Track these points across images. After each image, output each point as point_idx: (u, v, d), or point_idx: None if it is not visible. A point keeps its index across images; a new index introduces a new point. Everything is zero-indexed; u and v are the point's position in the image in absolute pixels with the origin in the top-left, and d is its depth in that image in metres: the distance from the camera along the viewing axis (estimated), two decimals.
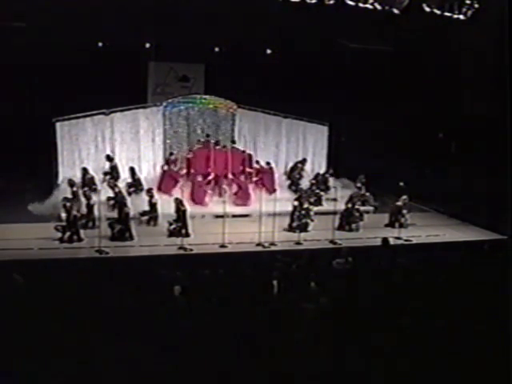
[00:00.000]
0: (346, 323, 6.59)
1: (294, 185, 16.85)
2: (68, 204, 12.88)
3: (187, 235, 12.98)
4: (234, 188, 15.86)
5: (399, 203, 14.66)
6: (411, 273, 9.18)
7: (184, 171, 16.15)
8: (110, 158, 15.90)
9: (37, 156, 15.28)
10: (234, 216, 14.35)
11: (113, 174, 15.65)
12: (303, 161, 17.75)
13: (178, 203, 13.33)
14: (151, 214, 14.02)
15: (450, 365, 5.84)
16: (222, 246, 12.51)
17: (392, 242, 12.21)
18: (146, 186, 15.15)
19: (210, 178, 15.88)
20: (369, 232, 14.06)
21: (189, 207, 13.74)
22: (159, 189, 15.36)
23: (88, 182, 15.01)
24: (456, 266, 9.56)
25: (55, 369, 5.44)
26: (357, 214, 14.51)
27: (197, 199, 15.17)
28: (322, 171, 17.75)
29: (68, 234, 12.49)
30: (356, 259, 10.10)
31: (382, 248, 11.49)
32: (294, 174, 17.32)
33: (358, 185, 16.13)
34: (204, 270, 8.91)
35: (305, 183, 16.76)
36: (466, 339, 6.21)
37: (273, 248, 12.63)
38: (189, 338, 6.08)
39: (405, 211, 14.58)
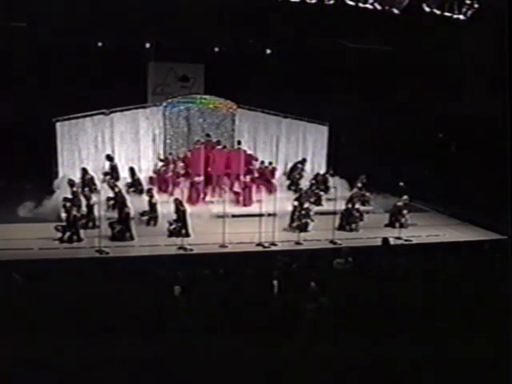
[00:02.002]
0: (346, 323, 6.59)
1: (293, 185, 16.85)
2: (68, 204, 12.88)
3: (187, 235, 12.98)
4: (236, 188, 15.84)
5: (399, 203, 14.67)
6: (411, 273, 9.18)
7: (181, 171, 16.11)
8: (110, 158, 15.91)
9: (37, 156, 15.29)
10: (234, 216, 14.34)
11: (113, 174, 15.66)
12: (303, 161, 17.76)
13: (178, 203, 13.33)
14: (151, 214, 14.01)
15: (451, 365, 5.85)
16: (222, 246, 12.51)
17: (392, 241, 12.21)
18: (145, 186, 15.17)
19: (202, 178, 15.78)
20: (369, 232, 14.06)
21: (188, 207, 13.74)
22: (159, 189, 15.37)
23: (88, 182, 15.02)
24: (456, 266, 9.55)
25: (55, 369, 5.44)
26: (357, 214, 14.50)
27: (193, 199, 15.15)
28: (321, 171, 17.76)
29: (68, 234, 12.50)
30: (356, 259, 10.09)
31: (382, 248, 11.48)
32: (293, 174, 17.33)
33: (359, 185, 16.12)
34: (204, 269, 8.91)
35: (305, 183, 16.76)
36: (466, 339, 6.21)
37: (273, 248, 12.63)
38: (189, 338, 6.08)
39: (405, 211, 14.58)
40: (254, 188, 15.98)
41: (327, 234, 13.47)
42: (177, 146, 16.90)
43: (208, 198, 15.52)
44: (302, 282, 8.48)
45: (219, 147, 16.53)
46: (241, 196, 15.66)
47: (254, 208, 14.89)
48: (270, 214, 13.70)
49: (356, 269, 9.71)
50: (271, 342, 6.07)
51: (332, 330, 6.50)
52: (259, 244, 12.75)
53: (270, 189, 16.10)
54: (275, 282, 8.40)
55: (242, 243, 12.73)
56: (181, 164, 16.19)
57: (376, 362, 5.82)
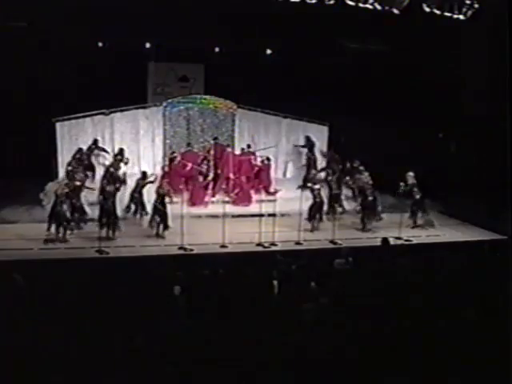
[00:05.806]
0: (346, 323, 6.60)
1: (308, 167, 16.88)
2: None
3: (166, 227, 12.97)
4: (236, 188, 15.82)
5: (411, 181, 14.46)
6: (411, 273, 9.18)
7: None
8: (95, 142, 15.98)
9: (37, 156, 15.28)
10: (234, 216, 14.33)
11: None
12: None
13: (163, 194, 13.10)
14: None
15: (451, 365, 5.85)
16: (222, 246, 12.51)
17: (392, 242, 12.20)
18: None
19: (210, 178, 15.82)
20: (369, 232, 14.05)
21: (189, 208, 13.74)
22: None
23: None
24: (456, 266, 9.55)
25: (55, 369, 5.45)
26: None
27: (196, 200, 15.14)
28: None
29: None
30: (356, 259, 10.09)
31: (382, 248, 11.48)
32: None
33: (355, 165, 15.99)
34: (204, 269, 8.91)
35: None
36: (466, 339, 6.21)
37: (273, 248, 12.63)
38: (189, 338, 6.08)
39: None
40: (252, 188, 15.99)
41: (327, 234, 13.48)
42: (177, 146, 16.87)
43: (207, 199, 15.50)
44: (302, 282, 8.50)
45: (229, 150, 16.42)
46: (240, 195, 15.63)
47: (253, 208, 14.89)
48: (270, 215, 13.71)
49: (356, 269, 9.71)
50: (271, 342, 6.08)
51: (332, 331, 6.51)
52: (259, 244, 12.76)
53: (267, 186, 16.05)
54: (275, 282, 8.42)
55: (242, 243, 12.74)
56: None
57: (375, 362, 5.83)
